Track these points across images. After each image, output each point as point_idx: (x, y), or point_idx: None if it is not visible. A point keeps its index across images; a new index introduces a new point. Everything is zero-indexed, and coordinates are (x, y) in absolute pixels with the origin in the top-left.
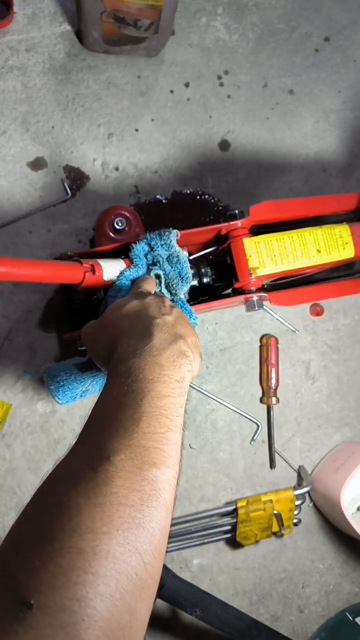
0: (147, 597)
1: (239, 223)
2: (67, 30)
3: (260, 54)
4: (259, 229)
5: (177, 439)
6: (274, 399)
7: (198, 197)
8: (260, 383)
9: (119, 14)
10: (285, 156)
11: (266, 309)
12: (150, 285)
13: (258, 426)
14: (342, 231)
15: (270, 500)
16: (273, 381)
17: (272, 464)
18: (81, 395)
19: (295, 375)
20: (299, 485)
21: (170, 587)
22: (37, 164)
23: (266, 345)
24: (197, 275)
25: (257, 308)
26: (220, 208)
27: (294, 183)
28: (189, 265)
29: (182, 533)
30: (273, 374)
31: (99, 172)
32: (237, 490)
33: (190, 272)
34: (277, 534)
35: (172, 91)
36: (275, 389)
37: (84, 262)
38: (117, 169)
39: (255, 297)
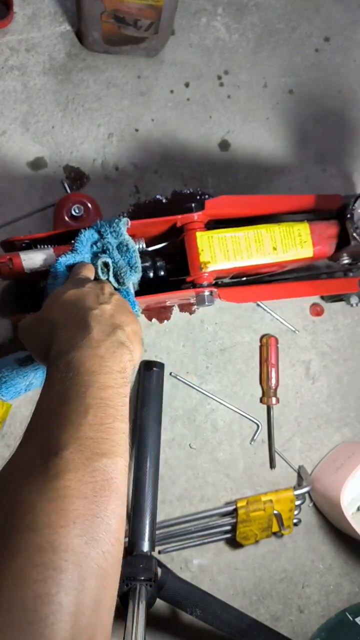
0: (109, 585)
1: (195, 216)
2: (67, 30)
3: (260, 54)
4: (217, 225)
5: (124, 428)
6: (274, 399)
7: (198, 197)
8: (260, 383)
9: (119, 14)
10: (285, 156)
11: (266, 309)
12: (89, 271)
13: (258, 426)
14: (301, 229)
15: (270, 500)
16: (273, 381)
17: (272, 464)
18: (25, 390)
19: (295, 375)
20: (299, 485)
21: (170, 587)
22: (37, 164)
23: (266, 345)
24: (152, 267)
25: (207, 303)
26: None
27: (294, 183)
28: (138, 254)
29: (182, 533)
30: (273, 374)
31: (99, 172)
32: (237, 490)
33: (140, 261)
34: (277, 534)
35: (172, 91)
36: (275, 389)
37: (2, 256)
38: (117, 169)
39: (206, 292)
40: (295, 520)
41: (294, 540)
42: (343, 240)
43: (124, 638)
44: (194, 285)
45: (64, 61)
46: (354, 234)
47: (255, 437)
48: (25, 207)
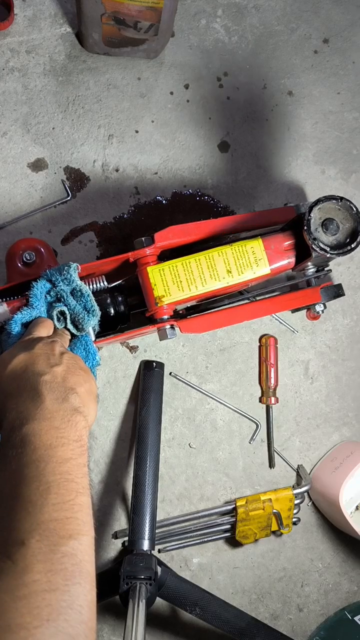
0: None
1: (146, 250)
2: (68, 32)
3: (259, 55)
4: (172, 253)
5: (87, 501)
6: (273, 399)
7: (198, 198)
8: (260, 383)
9: (119, 16)
10: (285, 157)
11: None
12: (45, 328)
13: (257, 426)
14: (255, 247)
15: (270, 500)
16: (272, 381)
17: (271, 463)
18: None
19: (294, 375)
20: (298, 484)
21: (170, 585)
22: (37, 165)
23: (265, 345)
24: (112, 304)
25: (169, 337)
26: (220, 209)
27: (293, 184)
28: (93, 298)
29: (181, 532)
30: (272, 374)
31: (100, 173)
32: (236, 490)
33: (96, 305)
34: (276, 533)
35: (172, 93)
36: (275, 389)
37: None
38: (117, 170)
39: (167, 326)
40: (294, 519)
41: (293, 539)
42: (303, 251)
43: (124, 636)
44: (154, 320)
45: (65, 63)
46: (312, 246)
47: (254, 437)
48: (26, 208)
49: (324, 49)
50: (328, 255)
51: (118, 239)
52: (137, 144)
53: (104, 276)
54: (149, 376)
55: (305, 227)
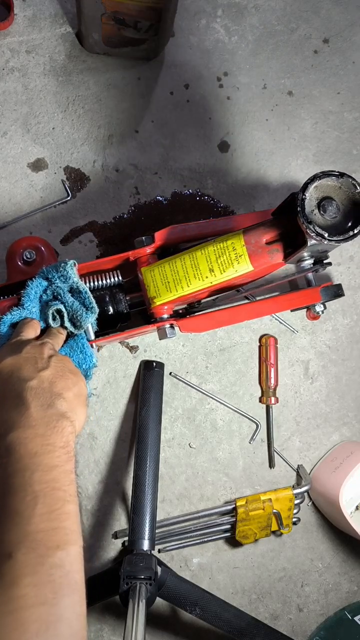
0: None
1: (146, 249)
2: (68, 31)
3: (259, 55)
4: (175, 252)
5: (74, 510)
6: (273, 399)
7: (198, 198)
8: (260, 383)
9: (119, 16)
10: (285, 157)
11: None
12: (32, 329)
13: (257, 426)
14: (235, 243)
15: (270, 499)
16: (272, 381)
17: (271, 463)
18: None
19: (294, 375)
20: (298, 484)
21: (170, 585)
22: (37, 165)
23: (265, 345)
24: (111, 302)
25: (168, 336)
26: (220, 209)
27: (293, 184)
28: (90, 294)
29: (181, 532)
30: (272, 374)
31: (100, 173)
32: (236, 490)
33: (94, 301)
34: (276, 533)
35: (171, 93)
36: (275, 389)
37: None
38: (117, 170)
39: (167, 325)
40: (294, 519)
41: (293, 539)
42: (296, 240)
43: (124, 636)
44: (154, 319)
45: (65, 63)
46: (307, 231)
47: (254, 437)
48: (26, 208)
49: (324, 49)
50: (326, 242)
51: (118, 239)
52: (137, 144)
53: (118, 271)
54: (149, 376)
55: (298, 209)
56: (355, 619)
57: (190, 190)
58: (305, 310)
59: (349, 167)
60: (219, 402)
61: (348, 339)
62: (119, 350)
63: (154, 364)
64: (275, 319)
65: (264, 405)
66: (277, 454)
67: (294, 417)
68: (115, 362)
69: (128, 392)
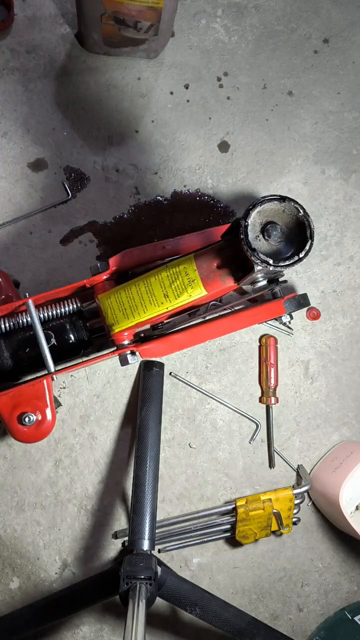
0: None
1: (103, 276)
2: (68, 32)
3: (259, 55)
4: (132, 274)
5: None
6: (273, 399)
7: (198, 198)
8: (260, 383)
9: (119, 16)
10: (284, 157)
11: None
12: None
13: (257, 426)
14: (187, 267)
15: (270, 500)
16: (272, 381)
17: (271, 463)
18: None
19: (294, 375)
20: (298, 484)
21: (170, 586)
22: (37, 165)
23: (265, 345)
24: (71, 330)
25: (130, 362)
26: (220, 209)
27: (293, 184)
28: None
29: (181, 532)
30: (272, 374)
31: (100, 173)
32: (236, 490)
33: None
34: (276, 533)
35: (171, 93)
36: (275, 389)
37: None
38: (117, 170)
39: (128, 352)
40: (294, 519)
41: (293, 539)
42: (245, 265)
43: (124, 636)
44: (115, 346)
45: (65, 63)
46: (252, 258)
47: (254, 437)
48: (26, 208)
49: (324, 49)
50: (271, 269)
51: (118, 239)
52: (137, 144)
53: (76, 297)
54: (149, 376)
55: (242, 236)
56: (355, 619)
57: (190, 190)
58: (305, 310)
59: (349, 167)
60: (219, 402)
61: (348, 339)
62: None
63: (154, 364)
64: (266, 323)
65: (264, 405)
66: (277, 454)
67: (294, 417)
68: (116, 362)
69: (128, 392)
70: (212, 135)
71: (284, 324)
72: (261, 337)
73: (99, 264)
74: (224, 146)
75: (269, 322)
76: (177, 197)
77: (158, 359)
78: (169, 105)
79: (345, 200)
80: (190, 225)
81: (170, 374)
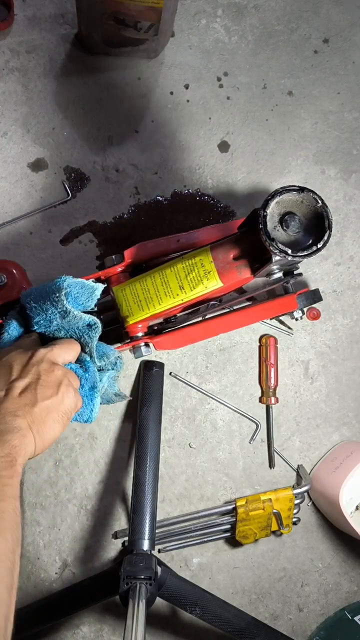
0: None
1: (117, 268)
2: (68, 32)
3: (259, 55)
4: (146, 267)
5: (6, 507)
6: (273, 399)
7: (198, 198)
8: (260, 383)
9: (120, 16)
10: (285, 157)
11: None
12: (29, 340)
13: (257, 426)
14: (203, 259)
15: (270, 500)
16: (272, 381)
17: (271, 463)
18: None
19: (294, 375)
20: (298, 484)
21: (170, 585)
22: (37, 165)
23: (265, 345)
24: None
25: (144, 354)
26: (220, 209)
27: (293, 184)
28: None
29: (181, 532)
30: (272, 374)
31: (100, 173)
32: (236, 490)
33: (93, 316)
34: (276, 533)
35: (171, 93)
36: (275, 389)
37: None
38: (117, 170)
39: (142, 344)
40: (294, 519)
41: (293, 539)
42: (262, 256)
43: (124, 636)
44: (128, 337)
45: (65, 63)
46: (270, 248)
47: (254, 437)
48: (26, 208)
49: (324, 49)
50: (289, 258)
51: (118, 239)
52: (137, 143)
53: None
54: (149, 376)
55: (260, 226)
56: (355, 619)
57: (190, 190)
58: (306, 310)
59: (349, 167)
60: (219, 402)
61: (348, 339)
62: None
63: (154, 364)
64: (265, 323)
65: (264, 405)
66: (277, 454)
67: (294, 417)
68: None
69: (128, 392)
70: (212, 135)
71: (295, 319)
72: (261, 337)
73: (114, 257)
74: (224, 146)
75: (269, 322)
76: (177, 197)
77: (158, 359)
78: (169, 105)
79: (345, 200)
80: (190, 225)
81: (170, 374)
